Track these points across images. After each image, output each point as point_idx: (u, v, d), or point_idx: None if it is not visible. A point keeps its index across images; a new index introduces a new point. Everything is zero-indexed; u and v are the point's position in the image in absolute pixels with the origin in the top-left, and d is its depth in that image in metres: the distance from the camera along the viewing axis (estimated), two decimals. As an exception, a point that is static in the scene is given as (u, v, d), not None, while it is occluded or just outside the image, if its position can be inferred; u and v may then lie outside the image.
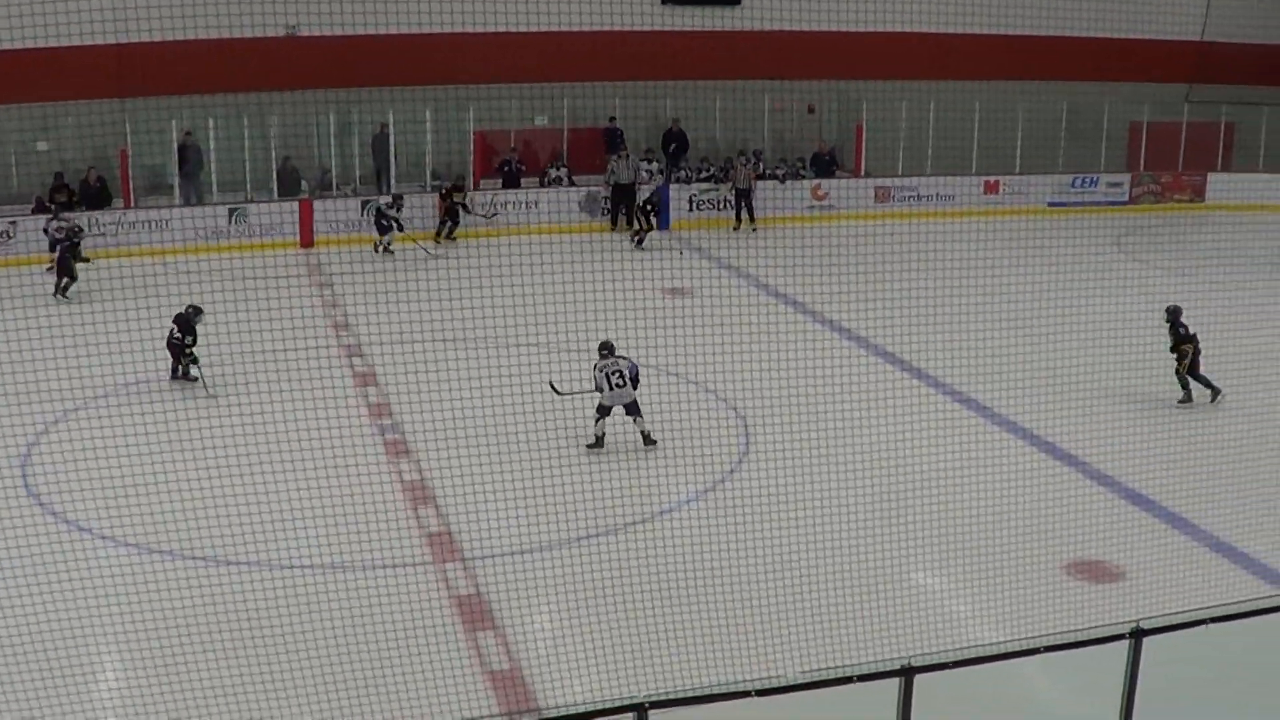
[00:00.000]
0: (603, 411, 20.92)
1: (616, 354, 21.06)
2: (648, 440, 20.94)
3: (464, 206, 36.02)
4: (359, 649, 14.63)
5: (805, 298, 29.33)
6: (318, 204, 36.40)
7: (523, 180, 38.53)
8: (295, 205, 36.22)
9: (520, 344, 21.81)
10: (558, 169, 38.87)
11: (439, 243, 35.39)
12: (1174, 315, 23.26)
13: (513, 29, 33.29)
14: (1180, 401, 22.92)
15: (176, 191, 36.77)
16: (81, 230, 31.46)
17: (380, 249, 33.74)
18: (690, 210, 38.76)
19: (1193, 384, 22.88)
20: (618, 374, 20.87)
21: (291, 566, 16.74)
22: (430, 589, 16.28)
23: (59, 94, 35.29)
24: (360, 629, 15.05)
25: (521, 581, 16.36)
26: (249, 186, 37.17)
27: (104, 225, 34.43)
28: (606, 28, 35.07)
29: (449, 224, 36.34)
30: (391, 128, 37.51)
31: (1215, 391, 22.85)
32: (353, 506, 17.53)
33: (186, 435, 18.55)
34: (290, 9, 32.36)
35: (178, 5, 28.90)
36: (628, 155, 38.33)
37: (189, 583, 16.11)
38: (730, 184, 38.70)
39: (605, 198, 38.18)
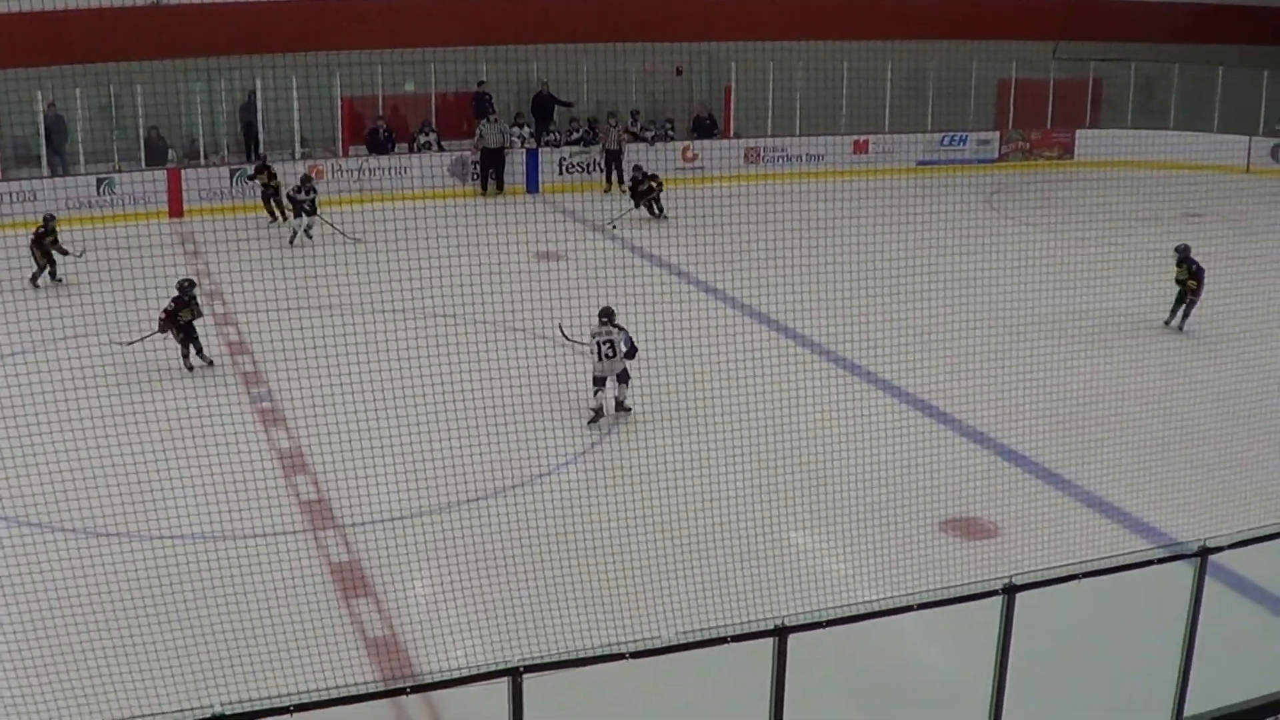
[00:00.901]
0: (598, 383, 20.97)
1: (615, 322, 21.04)
2: (621, 407, 21.06)
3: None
4: (234, 619, 14.56)
5: (677, 260, 29.40)
6: (187, 173, 35.99)
7: (394, 146, 38.21)
8: (164, 175, 35.79)
9: (393, 311, 21.69)
10: (427, 135, 38.64)
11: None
12: (1185, 252, 25.24)
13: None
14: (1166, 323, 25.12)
15: (44, 163, 36.25)
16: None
17: (296, 236, 32.80)
18: (560, 173, 38.71)
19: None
20: (609, 344, 20.85)
21: (163, 537, 16.65)
22: (306, 557, 16.21)
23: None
24: (235, 599, 14.97)
25: (398, 548, 16.30)
26: (116, 157, 36.72)
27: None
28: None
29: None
30: (259, 96, 37.14)
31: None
32: (225, 476, 17.36)
33: (55, 404, 18.31)
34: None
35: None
36: (496, 119, 38.18)
37: (58, 554, 15.89)
38: (600, 146, 38.69)
39: (475, 162, 38.02)
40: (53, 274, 28.46)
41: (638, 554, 15.42)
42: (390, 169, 37.33)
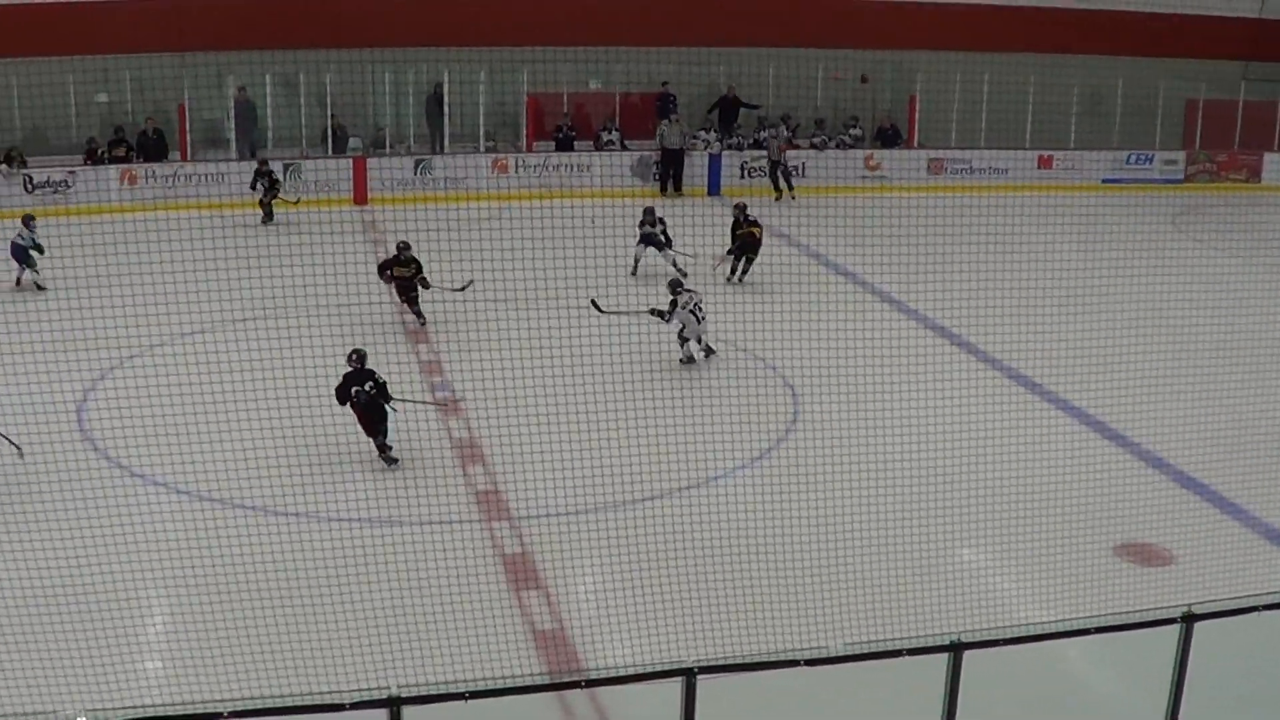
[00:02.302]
0: (684, 340, 22.50)
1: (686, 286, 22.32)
2: (710, 351, 22.83)
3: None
4: (407, 603, 14.75)
5: (857, 268, 29.28)
6: (371, 162, 36.44)
7: (575, 144, 38.39)
8: (349, 163, 36.30)
9: (572, 306, 21.79)
10: (610, 133, 38.78)
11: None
12: None
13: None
14: None
15: (232, 146, 36.91)
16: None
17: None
18: (742, 177, 38.60)
19: None
20: (698, 305, 22.39)
21: (341, 519, 16.88)
22: (479, 547, 16.38)
23: (119, 47, 35.44)
24: (408, 584, 15.14)
25: (569, 543, 16.41)
26: (304, 143, 37.27)
27: (161, 177, 34.63)
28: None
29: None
30: (446, 88, 37.50)
31: None
32: (404, 462, 17.54)
33: (242, 386, 18.61)
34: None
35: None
36: (678, 120, 38.20)
37: (239, 531, 16.20)
38: (766, 155, 38.60)
39: (656, 162, 38.08)
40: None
41: (806, 561, 15.38)
42: (573, 166, 37.47)
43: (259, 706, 9.14)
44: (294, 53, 36.33)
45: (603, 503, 17.18)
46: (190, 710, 9.38)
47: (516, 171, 36.87)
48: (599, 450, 16.94)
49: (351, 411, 18.67)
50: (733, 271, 28.23)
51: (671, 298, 22.83)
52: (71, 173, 34.89)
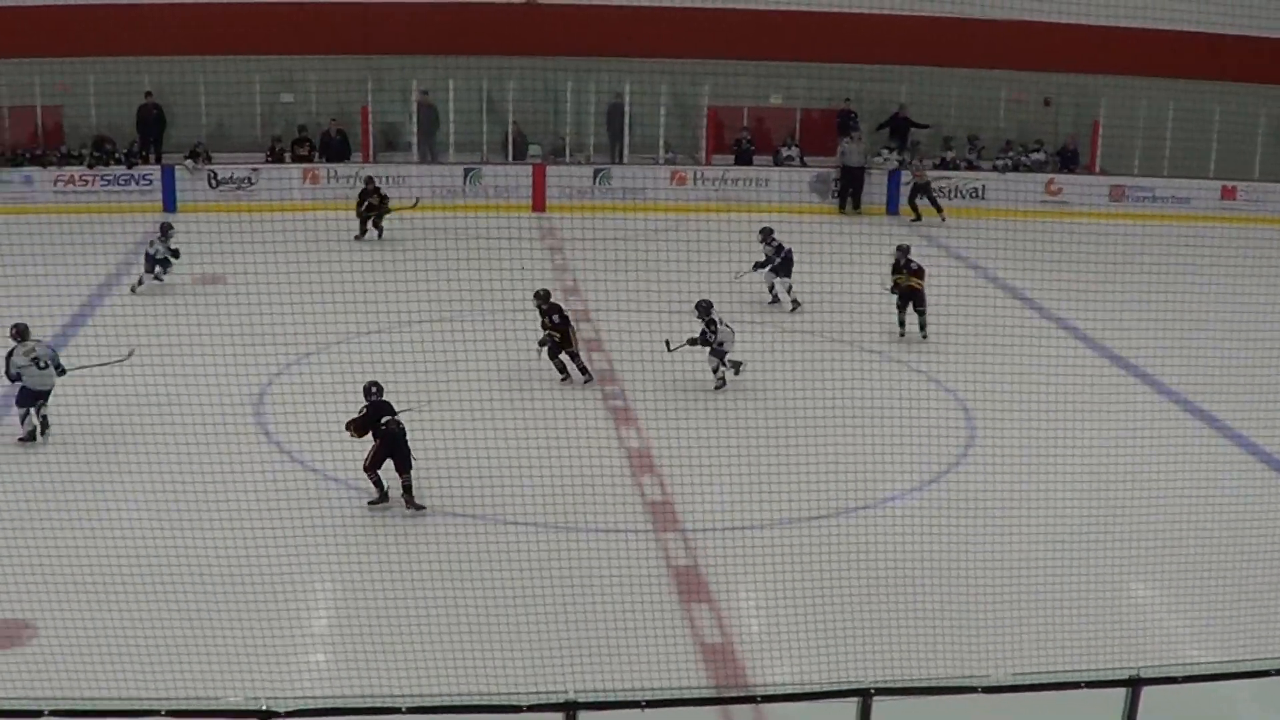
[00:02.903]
0: (720, 356, 22.11)
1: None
2: (738, 368, 22.20)
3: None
4: (577, 609, 14.84)
5: (1035, 293, 28.99)
6: (551, 170, 36.69)
7: (755, 158, 38.36)
8: (529, 170, 36.58)
9: (746, 320, 21.82)
10: (790, 148, 38.71)
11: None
12: None
13: (751, 6, 33.29)
14: None
15: (414, 149, 37.35)
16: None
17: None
18: (921, 197, 38.29)
19: None
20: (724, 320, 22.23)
21: (513, 523, 17.00)
22: (649, 557, 16.42)
23: (305, 48, 36.03)
24: (577, 590, 15.23)
25: (738, 557, 16.41)
26: (484, 149, 37.61)
27: (342, 178, 35.16)
28: (845, 9, 34.88)
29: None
30: (627, 99, 37.66)
31: None
32: (577, 469, 17.64)
33: (416, 386, 18.80)
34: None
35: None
36: (859, 138, 38.04)
37: (408, 530, 16.39)
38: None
39: (835, 180, 37.93)
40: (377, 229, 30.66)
41: (976, 588, 15.28)
42: (751, 180, 37.45)
43: (437, 704, 9.23)
44: (477, 59, 36.72)
45: (774, 519, 17.17)
46: (369, 704, 9.51)
47: (695, 184, 36.93)
48: (770, 465, 16.92)
49: (373, 440, 17.87)
50: (901, 325, 25.50)
51: (707, 319, 22.26)
52: (255, 170, 35.57)
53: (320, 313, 19.33)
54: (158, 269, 27.47)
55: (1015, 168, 38.94)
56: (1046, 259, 26.85)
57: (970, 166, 38.51)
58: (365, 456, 17.72)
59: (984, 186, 38.10)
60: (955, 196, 37.97)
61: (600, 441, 19.33)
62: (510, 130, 37.53)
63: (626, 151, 37.97)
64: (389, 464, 17.52)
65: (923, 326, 25.35)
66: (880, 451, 19.05)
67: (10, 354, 19.86)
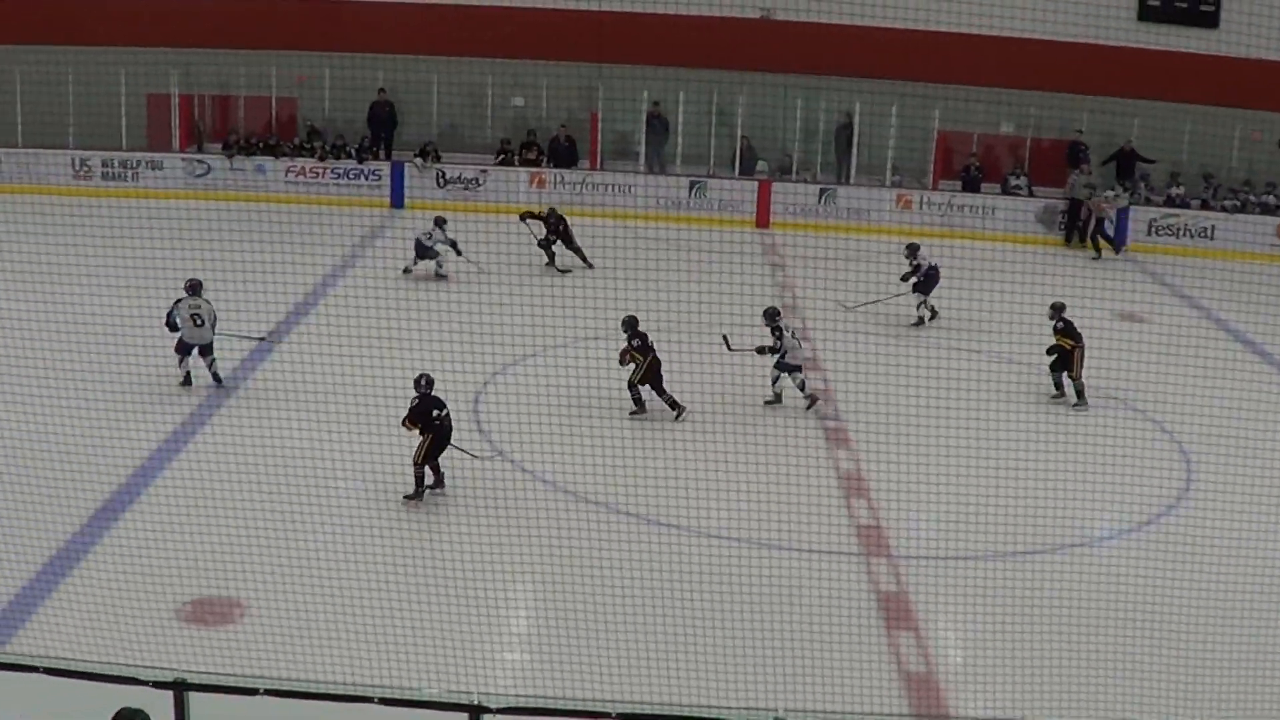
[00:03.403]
0: (785, 369, 22.12)
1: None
2: (812, 401, 22.16)
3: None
4: (780, 626, 14.79)
5: (1260, 338, 28.34)
6: (776, 186, 36.66)
7: (982, 185, 37.99)
8: (754, 185, 36.60)
9: (965, 349, 21.61)
10: (1018, 177, 38.22)
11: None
12: None
13: (984, 32, 33.04)
14: None
15: (642, 159, 37.53)
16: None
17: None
18: (1149, 234, 37.52)
19: None
20: (795, 332, 22.43)
21: (721, 537, 16.99)
22: (854, 580, 16.32)
23: (538, 53, 36.41)
24: (784, 608, 15.22)
25: (946, 587, 16.25)
26: (711, 162, 37.67)
27: (569, 184, 35.46)
28: (1078, 39, 34.48)
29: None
30: (856, 119, 37.50)
31: None
32: (788, 488, 17.58)
33: (624, 394, 18.88)
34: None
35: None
36: (1089, 170, 37.43)
37: (614, 535, 16.43)
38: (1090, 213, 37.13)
39: (1062, 213, 37.39)
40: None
41: (1185, 636, 14.96)
42: (978, 208, 37.08)
43: (647, 712, 9.23)
44: (709, 71, 36.85)
45: (984, 550, 16.98)
46: (578, 707, 9.54)
47: (920, 208, 36.65)
48: (983, 495, 16.72)
49: (421, 435, 18.09)
50: (1057, 387, 23.50)
51: (771, 326, 22.21)
52: (483, 171, 36.04)
53: (541, 315, 19.51)
54: (437, 261, 28.36)
55: (1243, 208, 38.04)
56: (1274, 304, 26.32)
57: (1204, 205, 37.70)
58: (415, 451, 17.98)
59: (1213, 227, 37.25)
60: (1184, 235, 37.20)
61: (813, 461, 19.23)
62: (739, 145, 37.53)
63: (853, 172, 37.79)
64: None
65: (1080, 396, 23.29)
66: (1095, 489, 18.77)
67: (177, 303, 21.57)
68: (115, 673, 8.36)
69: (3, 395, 20.12)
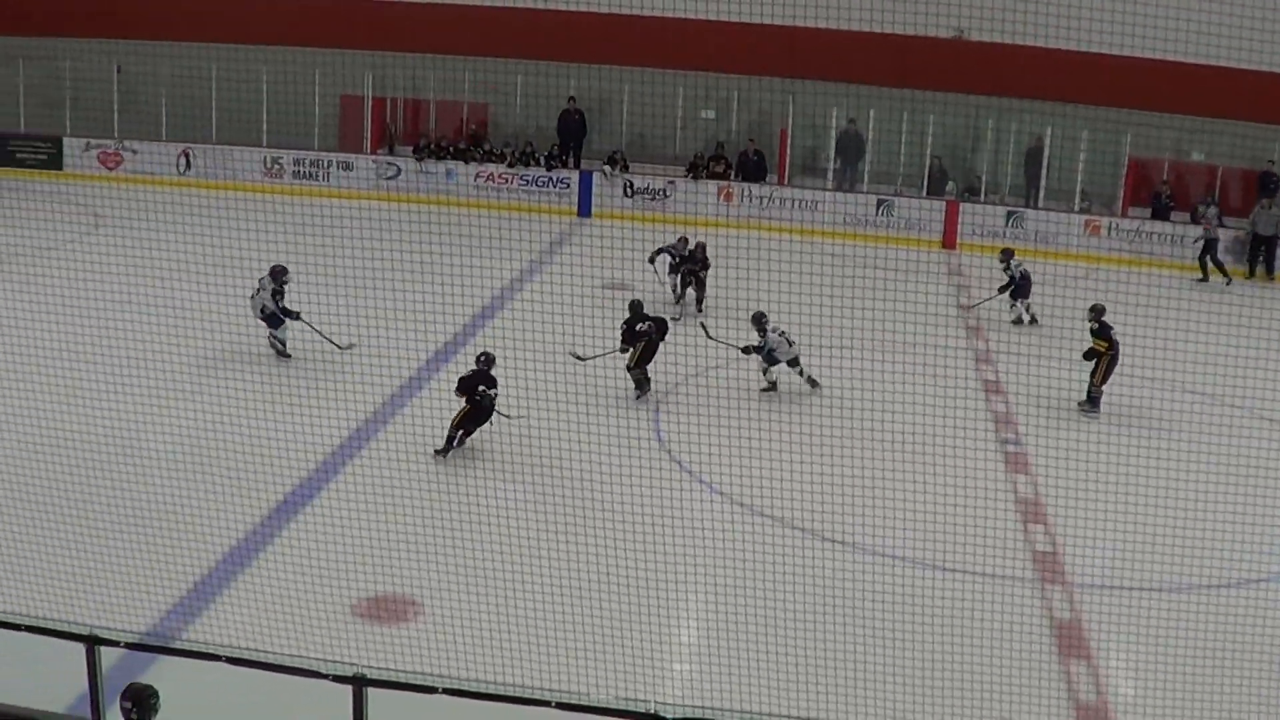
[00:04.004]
0: (774, 362, 22.82)
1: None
2: (814, 384, 22.96)
3: None
4: (948, 648, 14.69)
5: None
6: (964, 207, 36.49)
7: (1172, 214, 37.42)
8: (942, 205, 36.46)
9: (1148, 378, 21.29)
10: (1208, 207, 37.58)
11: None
12: None
13: (1175, 59, 32.62)
14: None
15: (830, 175, 37.50)
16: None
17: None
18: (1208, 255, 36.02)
19: None
20: (784, 333, 22.73)
21: (894, 556, 16.96)
22: (1028, 607, 16.21)
23: (729, 67, 36.51)
24: (954, 630, 15.14)
25: (1123, 618, 16.06)
26: (900, 181, 37.59)
27: (756, 198, 35.52)
28: (1271, 68, 33.92)
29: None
30: (1047, 143, 37.22)
31: None
32: (964, 510, 17.51)
33: (811, 414, 18.92)
34: (959, 12, 32.43)
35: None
36: (1271, 205, 36.49)
37: (785, 551, 16.44)
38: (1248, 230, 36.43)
39: (1247, 243, 36.65)
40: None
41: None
42: (1168, 236, 36.56)
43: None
44: (900, 90, 36.79)
45: (1162, 583, 16.75)
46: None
47: (1109, 235, 36.21)
48: (1167, 525, 16.51)
49: (466, 404, 19.47)
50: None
51: (758, 329, 22.81)
52: (671, 183, 36.16)
53: (714, 329, 19.58)
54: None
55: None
56: None
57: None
58: (456, 414, 19.47)
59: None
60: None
61: (991, 486, 19.09)
62: (929, 164, 37.40)
63: (1042, 196, 37.46)
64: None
65: (1092, 399, 22.85)
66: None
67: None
68: (296, 664, 8.52)
69: (196, 385, 20.60)
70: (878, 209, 36.10)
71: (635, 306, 22.72)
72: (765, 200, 35.87)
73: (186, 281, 24.00)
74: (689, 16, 35.38)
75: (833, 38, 34.91)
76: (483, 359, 19.66)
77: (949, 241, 36.27)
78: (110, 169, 39.17)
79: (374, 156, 38.44)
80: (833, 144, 37.64)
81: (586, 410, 20.20)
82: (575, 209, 36.68)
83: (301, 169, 38.13)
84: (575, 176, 37.04)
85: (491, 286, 26.59)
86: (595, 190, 36.68)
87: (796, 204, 35.91)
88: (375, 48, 38.61)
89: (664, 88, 37.39)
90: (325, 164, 38.15)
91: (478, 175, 37.27)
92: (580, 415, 19.67)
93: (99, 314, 21.06)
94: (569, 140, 37.79)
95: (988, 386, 23.86)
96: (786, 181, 37.21)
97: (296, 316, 23.02)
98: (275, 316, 23.31)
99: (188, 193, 35.02)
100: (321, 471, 18.63)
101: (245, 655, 8.58)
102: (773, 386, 22.95)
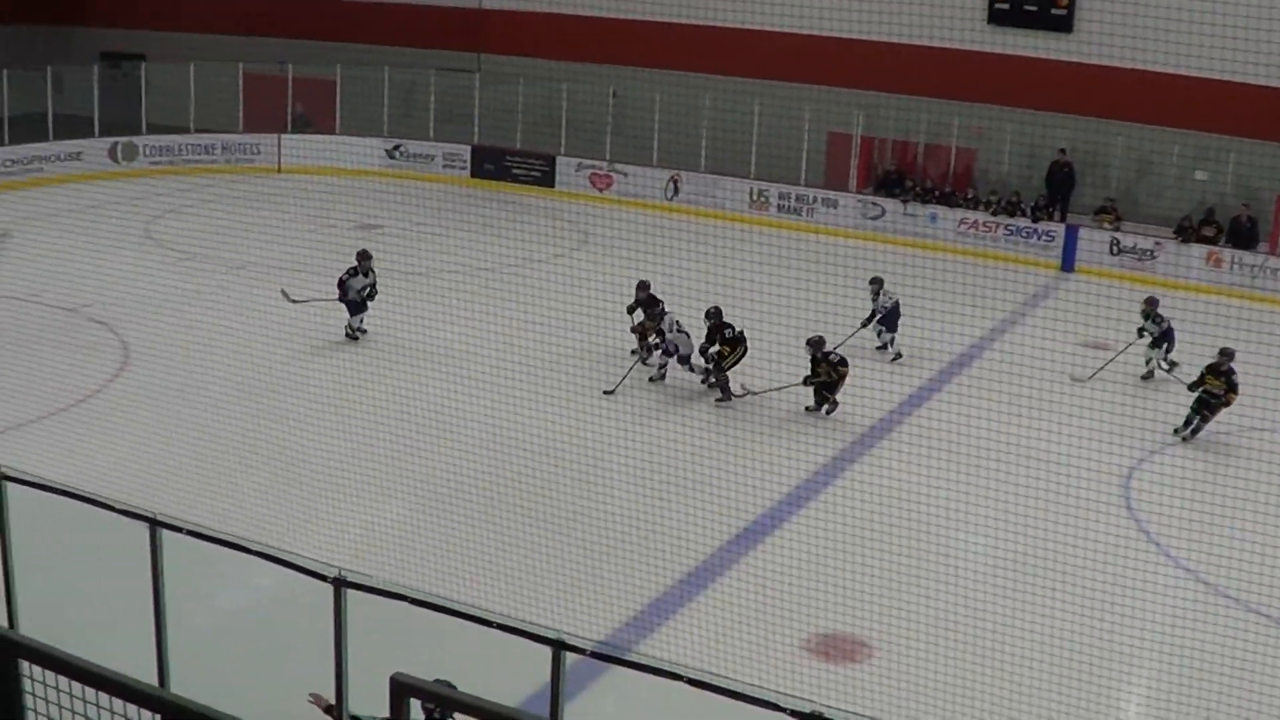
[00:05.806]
0: (687, 365, 23.52)
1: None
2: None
3: None
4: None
5: None
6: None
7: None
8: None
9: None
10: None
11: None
12: None
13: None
14: None
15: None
16: None
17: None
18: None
19: None
20: (675, 323, 23.40)
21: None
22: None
23: (1226, 128, 35.40)
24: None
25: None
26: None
27: (1245, 266, 34.29)
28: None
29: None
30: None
31: None
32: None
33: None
34: None
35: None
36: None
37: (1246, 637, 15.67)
38: None
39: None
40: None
41: None
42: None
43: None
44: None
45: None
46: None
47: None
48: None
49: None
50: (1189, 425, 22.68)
51: (658, 330, 23.64)
52: (1158, 243, 35.21)
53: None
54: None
55: None
56: None
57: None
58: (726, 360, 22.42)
59: None
60: None
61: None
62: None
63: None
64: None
65: (1191, 425, 22.61)
66: None
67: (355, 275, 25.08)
68: (751, 694, 8.50)
69: (660, 409, 20.94)
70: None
71: (714, 313, 23.49)
72: (1256, 269, 34.61)
73: (670, 304, 24.26)
74: (1192, 74, 34.48)
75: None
76: (712, 312, 23.18)
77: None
78: (600, 190, 40.40)
79: (859, 195, 38.59)
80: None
81: (1045, 467, 19.74)
82: (1059, 263, 36.11)
83: (787, 204, 38.58)
84: (1061, 230, 36.46)
85: (971, 334, 26.31)
86: (1080, 245, 36.02)
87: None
88: (867, 87, 38.80)
89: (1157, 145, 36.53)
90: (810, 199, 38.47)
91: (961, 222, 37.05)
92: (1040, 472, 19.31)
93: (581, 328, 21.70)
94: (1057, 193, 37.27)
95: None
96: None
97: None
98: (361, 304, 25.26)
99: (674, 219, 35.61)
100: (787, 503, 18.72)
101: (706, 679, 8.59)
102: (663, 377, 23.62)
